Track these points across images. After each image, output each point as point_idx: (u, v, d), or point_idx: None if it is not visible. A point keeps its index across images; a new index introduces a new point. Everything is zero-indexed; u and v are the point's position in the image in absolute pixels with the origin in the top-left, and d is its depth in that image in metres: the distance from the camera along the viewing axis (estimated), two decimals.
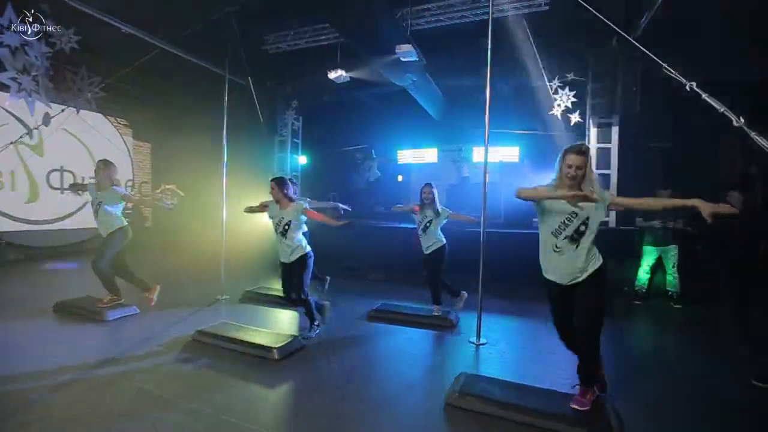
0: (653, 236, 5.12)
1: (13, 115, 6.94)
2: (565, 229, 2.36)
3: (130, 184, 9.13)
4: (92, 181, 4.45)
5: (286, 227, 3.55)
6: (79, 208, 7.94)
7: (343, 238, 7.35)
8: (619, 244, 5.78)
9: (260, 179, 6.83)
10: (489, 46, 3.75)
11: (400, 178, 11.06)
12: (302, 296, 3.61)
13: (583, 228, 2.33)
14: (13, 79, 4.53)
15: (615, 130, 6.25)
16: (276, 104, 7.85)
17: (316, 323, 3.80)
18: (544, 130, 7.47)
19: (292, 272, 3.63)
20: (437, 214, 4.30)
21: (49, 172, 7.58)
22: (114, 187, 4.21)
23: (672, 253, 5.04)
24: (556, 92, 6.10)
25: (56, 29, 4.85)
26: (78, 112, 5.40)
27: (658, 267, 5.26)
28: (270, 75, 7.28)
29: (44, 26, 4.73)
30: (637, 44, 2.61)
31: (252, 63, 6.56)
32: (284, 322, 4.32)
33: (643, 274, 5.27)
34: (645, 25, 4.95)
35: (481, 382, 2.70)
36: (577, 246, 2.35)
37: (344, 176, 10.46)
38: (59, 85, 5.21)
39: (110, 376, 2.80)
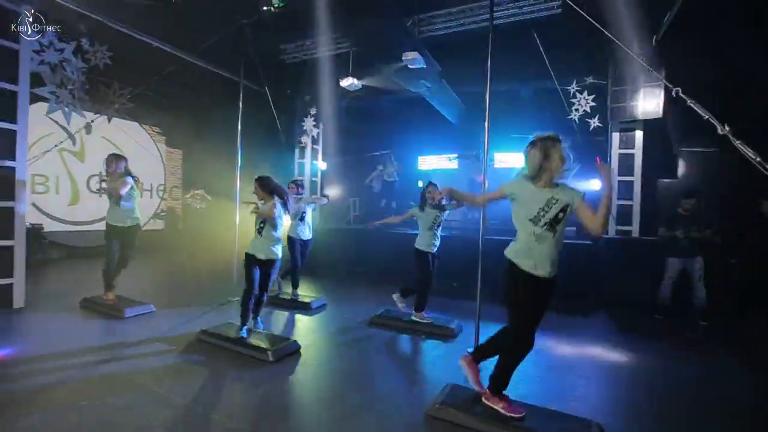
0: (676, 247, 4.80)
1: (57, 123, 7.56)
2: (543, 216, 2.28)
3: (162, 188, 9.67)
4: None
5: (262, 225, 3.62)
6: None
7: (356, 242, 7.45)
8: (641, 256, 5.48)
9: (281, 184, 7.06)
10: (489, 54, 3.66)
11: (420, 183, 11.02)
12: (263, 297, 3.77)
13: (561, 215, 2.27)
14: (52, 93, 4.94)
15: (639, 135, 5.94)
16: (295, 112, 8.07)
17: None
18: (565, 134, 7.25)
19: (263, 272, 3.67)
20: (443, 210, 4.28)
21: (89, 177, 8.17)
22: (126, 177, 4.29)
23: (697, 265, 4.70)
24: (574, 96, 5.91)
25: (91, 46, 5.25)
26: (110, 120, 5.81)
27: (682, 280, 4.92)
28: (289, 83, 7.50)
29: (80, 44, 5.14)
30: (627, 50, 2.48)
31: (271, 72, 6.82)
32: (288, 324, 4.41)
33: (666, 287, 4.95)
34: (667, 26, 4.70)
35: (466, 394, 2.64)
36: (554, 234, 2.28)
37: (362, 181, 10.55)
38: (93, 96, 5.65)
39: (115, 370, 2.98)
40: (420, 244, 4.28)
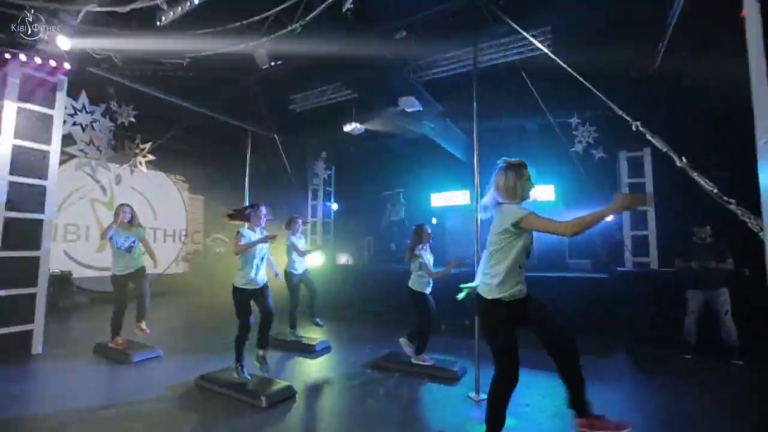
0: (696, 278, 4.52)
1: (91, 176, 8.18)
2: (530, 245, 2.37)
3: (184, 233, 10.12)
4: (139, 228, 4.75)
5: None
6: None
7: (365, 282, 7.43)
8: (662, 289, 5.18)
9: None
10: (474, 95, 3.78)
11: (434, 221, 11.03)
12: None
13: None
14: (81, 150, 5.41)
15: (648, 161, 5.82)
16: (307, 156, 8.43)
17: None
18: (576, 165, 7.18)
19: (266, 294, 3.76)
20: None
21: None
22: (110, 228, 4.45)
23: (722, 297, 4.39)
24: (575, 129, 5.91)
25: (118, 107, 5.77)
26: (132, 172, 6.26)
27: (709, 314, 4.58)
28: (299, 130, 7.90)
29: (109, 105, 5.66)
30: (598, 94, 2.51)
31: (281, 121, 7.24)
32: (289, 367, 4.37)
33: (691, 322, 4.61)
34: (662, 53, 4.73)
35: None
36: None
37: (376, 220, 10.67)
38: (119, 150, 6.13)
39: (110, 416, 3.02)
40: (414, 284, 4.24)
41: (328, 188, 9.24)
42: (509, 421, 2.39)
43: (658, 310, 5.03)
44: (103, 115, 5.53)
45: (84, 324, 6.34)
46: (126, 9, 3.37)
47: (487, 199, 2.46)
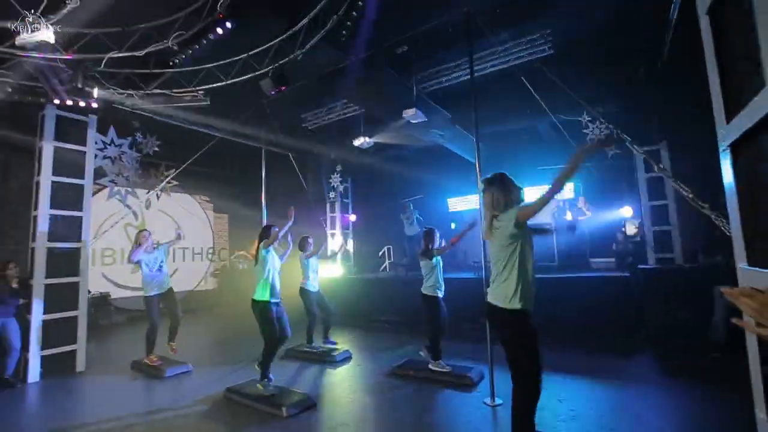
0: (723, 275, 4.39)
1: (123, 203, 8.76)
2: (532, 251, 2.43)
3: (211, 251, 10.60)
4: (159, 246, 5.10)
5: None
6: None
7: (385, 291, 7.55)
8: (688, 286, 5.03)
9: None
10: (473, 105, 3.87)
11: (453, 225, 11.05)
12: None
13: None
14: (112, 181, 5.85)
15: (665, 155, 5.69)
16: (322, 171, 8.70)
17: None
18: (596, 162, 7.08)
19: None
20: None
21: None
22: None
23: None
24: (586, 126, 5.87)
25: (143, 138, 6.21)
26: (159, 197, 6.69)
27: (736, 311, 4.42)
28: (314, 146, 8.19)
29: (135, 137, 6.11)
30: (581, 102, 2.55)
31: (295, 138, 7.53)
32: (310, 377, 4.55)
33: (719, 320, 4.47)
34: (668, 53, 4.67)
35: None
36: None
37: (394, 229, 10.80)
38: (145, 177, 6.59)
39: (146, 427, 3.29)
40: (427, 289, 4.35)
41: (345, 200, 9.48)
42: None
43: (682, 308, 4.89)
44: (130, 147, 5.98)
45: (122, 341, 6.79)
46: (142, 53, 3.71)
47: (485, 221, 2.52)
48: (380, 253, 10.07)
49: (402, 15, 4.19)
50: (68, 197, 4.98)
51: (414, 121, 5.36)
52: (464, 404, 3.58)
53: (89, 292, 5.22)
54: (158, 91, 4.46)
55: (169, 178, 6.47)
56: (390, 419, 3.41)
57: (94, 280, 7.85)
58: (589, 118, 5.79)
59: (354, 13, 3.64)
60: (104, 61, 3.77)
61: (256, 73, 4.10)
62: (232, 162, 9.66)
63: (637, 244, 6.45)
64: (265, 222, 6.15)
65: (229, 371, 4.74)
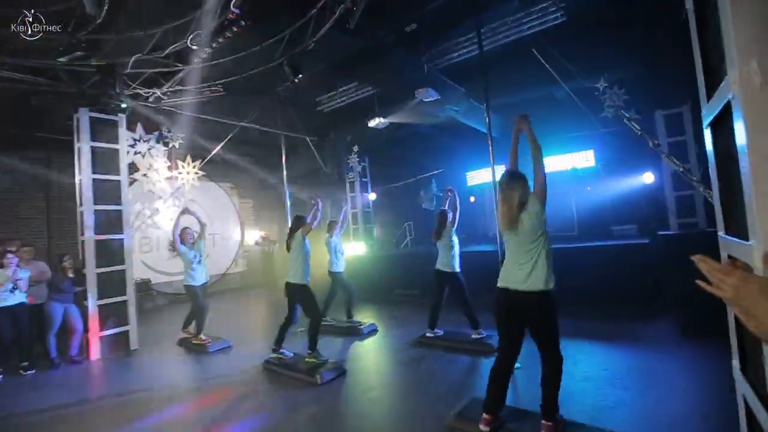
0: None
1: (154, 194, 9.28)
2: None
3: (239, 236, 11.14)
4: (199, 242, 5.55)
5: None
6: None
7: (409, 266, 7.84)
8: (709, 251, 5.03)
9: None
10: (486, 84, 3.93)
11: (472, 199, 11.13)
12: None
13: None
14: (144, 175, 6.26)
15: (688, 118, 5.57)
16: (340, 152, 8.90)
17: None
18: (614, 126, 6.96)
19: None
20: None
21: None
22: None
23: None
24: (603, 93, 5.77)
25: (169, 132, 6.55)
26: (188, 188, 7.09)
27: None
28: (330, 128, 8.36)
29: (161, 132, 6.45)
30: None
31: (312, 122, 7.73)
32: (341, 350, 4.93)
33: None
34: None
35: (481, 405, 2.86)
36: None
37: (414, 205, 10.99)
38: (174, 170, 6.97)
39: (199, 392, 3.74)
40: (442, 265, 4.61)
41: (364, 179, 9.69)
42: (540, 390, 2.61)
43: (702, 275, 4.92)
44: (157, 141, 6.33)
45: (165, 322, 7.41)
46: (164, 53, 3.95)
47: (507, 215, 2.56)
48: (402, 228, 10.34)
49: None
50: (108, 193, 5.41)
51: (427, 100, 5.44)
52: (484, 369, 3.86)
53: (133, 279, 5.71)
54: (180, 87, 4.71)
55: (196, 168, 6.82)
56: (415, 384, 3.73)
57: (136, 268, 8.47)
58: (606, 84, 5.68)
59: None
60: (131, 61, 4.03)
61: (271, 64, 4.28)
62: (254, 149, 9.97)
63: (659, 209, 6.41)
64: (288, 205, 6.46)
65: (265, 346, 5.16)
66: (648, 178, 6.66)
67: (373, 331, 5.49)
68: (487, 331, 4.49)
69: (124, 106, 4.90)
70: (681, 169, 1.82)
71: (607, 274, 5.48)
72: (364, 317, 6.08)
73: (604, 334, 4.50)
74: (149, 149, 6.26)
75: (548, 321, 2.52)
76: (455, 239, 4.64)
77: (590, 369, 3.59)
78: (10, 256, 4.65)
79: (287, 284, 4.32)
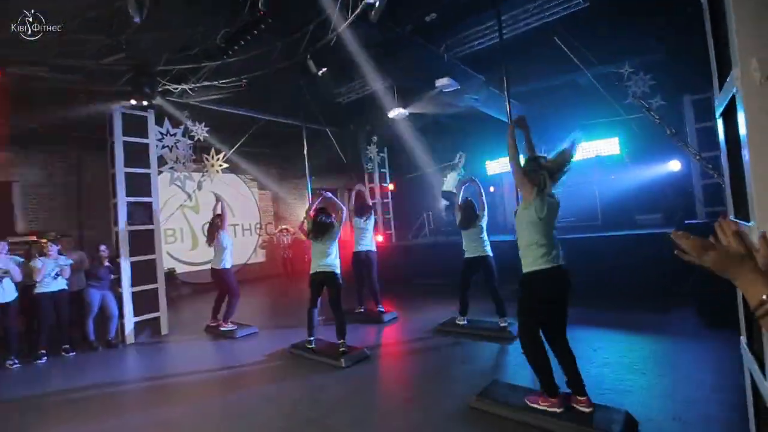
0: None
1: (178, 186, 9.68)
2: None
3: (258, 226, 11.51)
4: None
5: None
6: None
7: (428, 256, 8.01)
8: None
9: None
10: (505, 72, 4.02)
11: (492, 189, 11.15)
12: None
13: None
14: (171, 168, 6.58)
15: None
16: (359, 143, 9.08)
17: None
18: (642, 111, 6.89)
19: None
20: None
21: (203, 225, 10.20)
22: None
23: None
24: (628, 79, 5.74)
25: (194, 125, 6.84)
26: (212, 180, 7.40)
27: None
28: (350, 119, 8.54)
29: (186, 126, 6.75)
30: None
31: (330, 114, 7.92)
32: (363, 336, 5.16)
33: None
34: None
35: (503, 387, 3.04)
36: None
37: (432, 196, 11.09)
38: (198, 162, 7.29)
39: (230, 376, 4.04)
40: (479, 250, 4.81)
41: (382, 170, 9.86)
42: (563, 375, 2.76)
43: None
44: (183, 134, 6.63)
45: (191, 310, 7.83)
46: (194, 51, 4.19)
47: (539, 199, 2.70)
48: (421, 218, 10.50)
49: None
50: (139, 186, 5.75)
51: (447, 90, 5.54)
52: (506, 355, 4.03)
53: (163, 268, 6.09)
54: (207, 83, 4.96)
55: (221, 161, 7.11)
56: (436, 368, 3.92)
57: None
58: (632, 70, 5.66)
59: None
60: (162, 59, 4.29)
61: (293, 60, 4.46)
62: (273, 141, 10.26)
63: (686, 198, 6.37)
64: (310, 196, 6.70)
65: (289, 332, 5.46)
66: (674, 165, 6.60)
67: (394, 319, 5.71)
68: (512, 320, 4.65)
69: (155, 102, 5.19)
70: (697, 157, 1.90)
71: (631, 263, 5.53)
72: (385, 306, 6.29)
73: (626, 324, 4.58)
74: (176, 143, 6.57)
75: (566, 301, 2.76)
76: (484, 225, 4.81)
77: (610, 356, 3.71)
78: (51, 245, 5.05)
79: (318, 273, 4.40)
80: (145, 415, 3.32)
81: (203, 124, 6.96)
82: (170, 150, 6.53)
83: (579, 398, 2.65)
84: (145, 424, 3.16)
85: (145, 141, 5.83)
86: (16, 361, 4.74)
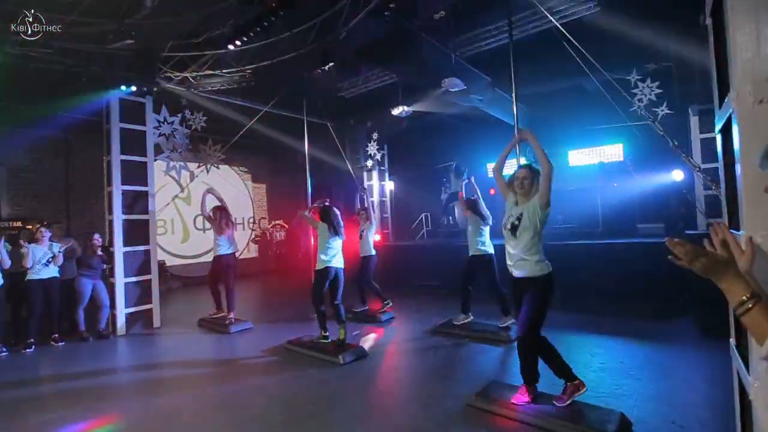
0: None
1: (170, 176, 9.75)
2: (507, 221, 3.07)
3: (251, 220, 11.60)
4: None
5: None
6: None
7: (425, 257, 8.17)
8: None
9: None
10: (514, 74, 4.19)
11: (492, 191, 11.33)
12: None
13: (516, 222, 2.95)
14: (167, 157, 6.68)
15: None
16: (359, 139, 9.23)
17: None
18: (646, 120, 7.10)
19: None
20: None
21: (195, 217, 10.29)
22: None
23: None
24: (635, 86, 5.93)
25: (191, 115, 6.93)
26: (208, 171, 7.49)
27: None
28: (351, 115, 8.68)
29: (184, 114, 6.84)
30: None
31: (332, 109, 8.04)
32: (361, 335, 5.30)
33: None
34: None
35: (502, 387, 3.21)
36: (515, 237, 2.96)
37: (431, 196, 11.26)
38: (195, 152, 7.38)
39: (225, 369, 4.17)
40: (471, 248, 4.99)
41: (382, 167, 10.01)
42: (558, 379, 2.99)
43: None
44: (180, 123, 6.73)
45: (182, 303, 7.92)
46: (199, 39, 4.30)
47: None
48: (415, 223, 10.67)
49: None
50: (135, 174, 5.84)
51: (453, 90, 5.70)
52: (504, 356, 4.20)
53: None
54: (210, 72, 5.07)
55: (218, 152, 7.21)
56: (435, 368, 4.09)
57: None
58: (639, 77, 5.85)
59: None
60: (168, 46, 4.40)
61: (300, 51, 4.59)
62: (269, 133, 10.35)
63: (687, 208, 6.59)
64: (310, 191, 6.82)
65: (284, 328, 5.60)
66: (677, 175, 6.81)
67: (391, 319, 5.86)
68: (513, 320, 4.82)
69: (155, 89, 5.29)
70: (697, 170, 2.06)
71: (630, 271, 5.73)
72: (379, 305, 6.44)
73: (624, 331, 4.77)
74: (173, 131, 6.66)
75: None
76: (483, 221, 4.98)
77: (607, 361, 3.90)
78: (44, 231, 5.13)
79: (331, 268, 4.54)
80: (141, 405, 3.42)
81: (201, 113, 7.06)
82: (167, 139, 6.62)
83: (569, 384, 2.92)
84: (141, 414, 3.25)
85: (142, 128, 5.92)
86: (4, 350, 4.82)
